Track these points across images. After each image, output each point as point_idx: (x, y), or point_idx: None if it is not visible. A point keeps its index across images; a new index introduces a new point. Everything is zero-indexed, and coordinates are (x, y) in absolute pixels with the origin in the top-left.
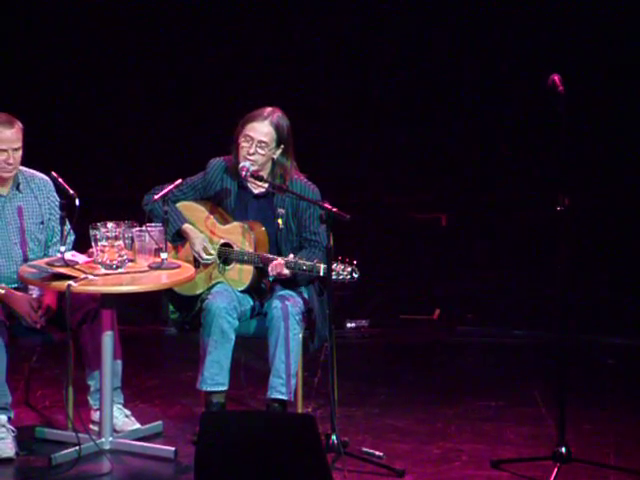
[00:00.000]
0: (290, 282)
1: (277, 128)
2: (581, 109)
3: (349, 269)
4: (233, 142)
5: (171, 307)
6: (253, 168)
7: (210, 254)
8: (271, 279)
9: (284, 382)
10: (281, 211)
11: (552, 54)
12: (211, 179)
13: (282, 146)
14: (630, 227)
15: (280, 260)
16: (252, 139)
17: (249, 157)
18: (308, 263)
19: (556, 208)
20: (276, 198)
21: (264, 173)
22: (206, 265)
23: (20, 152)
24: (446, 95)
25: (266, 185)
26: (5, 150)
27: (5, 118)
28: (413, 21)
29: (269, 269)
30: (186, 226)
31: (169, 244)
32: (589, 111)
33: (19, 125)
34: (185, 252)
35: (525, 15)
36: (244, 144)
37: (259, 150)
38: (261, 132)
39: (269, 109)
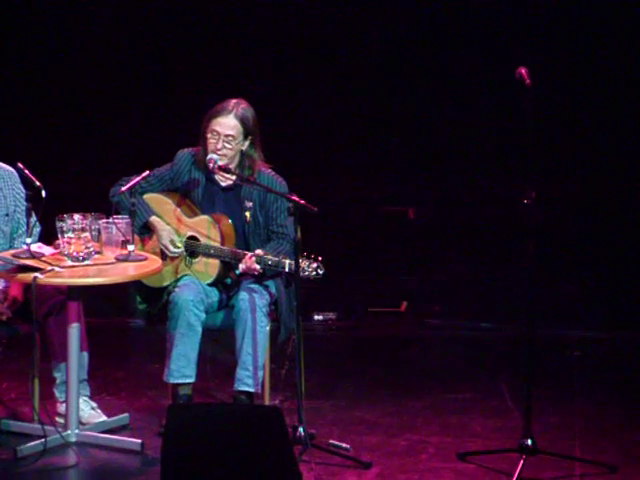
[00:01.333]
0: (258, 275)
1: (242, 121)
2: (548, 101)
3: (314, 265)
4: (200, 134)
5: (138, 298)
6: (221, 162)
7: (177, 247)
8: (238, 272)
9: (251, 374)
10: (249, 204)
11: (520, 47)
12: (179, 170)
13: (249, 137)
14: (597, 219)
15: (250, 255)
16: (219, 134)
17: (217, 152)
18: (274, 259)
19: (523, 201)
20: (244, 191)
21: (232, 165)
22: (173, 258)
23: None
24: (415, 86)
25: (234, 177)
26: None
27: None
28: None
29: (240, 265)
30: (153, 218)
31: (136, 236)
32: (556, 103)
33: None
34: (152, 244)
35: (494, 8)
36: (211, 140)
37: (227, 145)
38: (227, 126)
39: (233, 101)
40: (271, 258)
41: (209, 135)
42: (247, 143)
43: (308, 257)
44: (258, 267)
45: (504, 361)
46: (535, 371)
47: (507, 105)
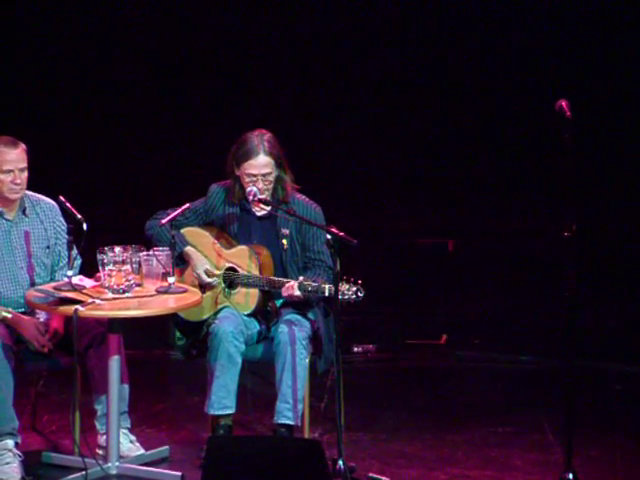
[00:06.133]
0: (299, 304)
1: (272, 154)
2: (589, 135)
3: (354, 288)
4: (227, 169)
5: (177, 334)
6: (260, 196)
7: (213, 276)
8: (279, 303)
9: (291, 407)
10: (285, 232)
11: (559, 80)
12: (212, 204)
13: (280, 162)
14: (638, 251)
15: (293, 282)
16: (256, 176)
17: (261, 192)
18: (314, 284)
19: (563, 234)
20: (280, 219)
21: (268, 194)
22: (212, 289)
23: (26, 173)
24: (456, 121)
25: (269, 208)
26: (12, 170)
27: (9, 139)
28: (418, 48)
29: (282, 291)
30: (188, 248)
31: (176, 268)
32: (597, 136)
33: (23, 146)
34: (190, 276)
35: (533, 40)
36: (249, 182)
37: (266, 182)
38: (261, 166)
39: (256, 138)
40: (311, 284)
41: (246, 179)
42: (280, 169)
43: (348, 281)
44: (299, 294)
45: (544, 394)
46: (575, 405)
47: (548, 137)
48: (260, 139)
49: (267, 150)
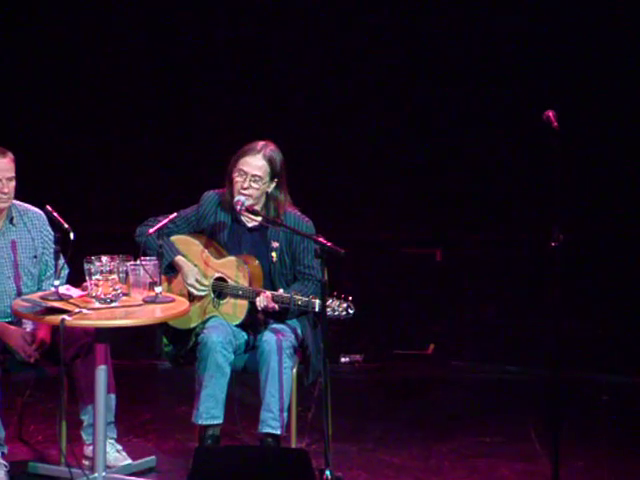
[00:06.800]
0: (281, 315)
1: (270, 162)
2: (575, 145)
3: (344, 305)
4: (226, 176)
5: (165, 340)
6: (248, 203)
7: (204, 286)
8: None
9: (275, 416)
10: (275, 244)
11: (546, 91)
12: (204, 212)
13: (275, 180)
14: (625, 263)
15: (267, 293)
16: (246, 174)
17: (243, 192)
18: (304, 299)
19: (550, 244)
20: (270, 231)
21: (258, 207)
22: (200, 299)
23: (14, 182)
24: (441, 133)
25: (259, 219)
26: None
27: None
28: (411, 58)
29: (257, 301)
30: (179, 258)
31: (163, 277)
32: (583, 146)
33: (10, 155)
34: (178, 285)
35: (522, 51)
36: (238, 179)
37: (253, 184)
38: (255, 166)
39: (262, 143)
40: (301, 298)
41: (236, 174)
42: (273, 185)
43: (338, 297)
44: (274, 305)
45: (531, 405)
46: (562, 415)
47: (535, 148)
48: (265, 146)
49: (267, 156)
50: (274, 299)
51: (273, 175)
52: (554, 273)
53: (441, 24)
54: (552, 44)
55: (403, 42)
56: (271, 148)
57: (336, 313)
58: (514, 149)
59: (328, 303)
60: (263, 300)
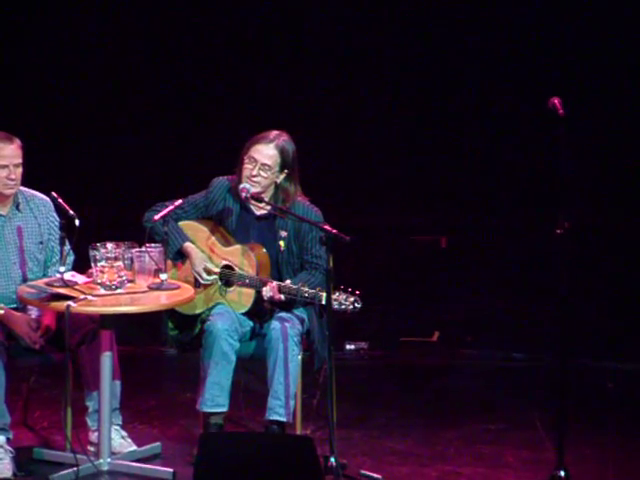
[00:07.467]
0: (287, 304)
1: (282, 152)
2: (581, 131)
3: (352, 299)
4: (238, 162)
5: (170, 324)
6: (253, 190)
7: (211, 274)
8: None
9: (282, 404)
10: (283, 233)
11: (552, 77)
12: (213, 198)
13: (286, 171)
14: (631, 250)
15: (274, 284)
16: (256, 161)
17: (251, 179)
18: (310, 291)
19: (556, 231)
20: (278, 220)
21: (266, 196)
22: (206, 285)
23: (21, 169)
24: (446, 119)
25: (268, 207)
26: (6, 166)
27: (4, 135)
28: (412, 48)
29: (263, 292)
30: (187, 244)
31: (169, 262)
32: (589, 133)
33: (18, 142)
34: (185, 271)
35: (526, 37)
36: (248, 165)
37: (262, 173)
38: (265, 155)
39: (276, 132)
40: (307, 290)
41: (246, 161)
42: (283, 176)
43: (345, 291)
44: (281, 296)
45: (537, 392)
46: (568, 402)
47: (541, 135)
48: (278, 136)
49: (279, 145)
50: (281, 290)
51: (283, 166)
52: (561, 260)
53: (445, 14)
54: (557, 29)
55: (409, 33)
56: (284, 138)
57: (343, 307)
58: (520, 136)
59: (335, 297)
60: (269, 291)
